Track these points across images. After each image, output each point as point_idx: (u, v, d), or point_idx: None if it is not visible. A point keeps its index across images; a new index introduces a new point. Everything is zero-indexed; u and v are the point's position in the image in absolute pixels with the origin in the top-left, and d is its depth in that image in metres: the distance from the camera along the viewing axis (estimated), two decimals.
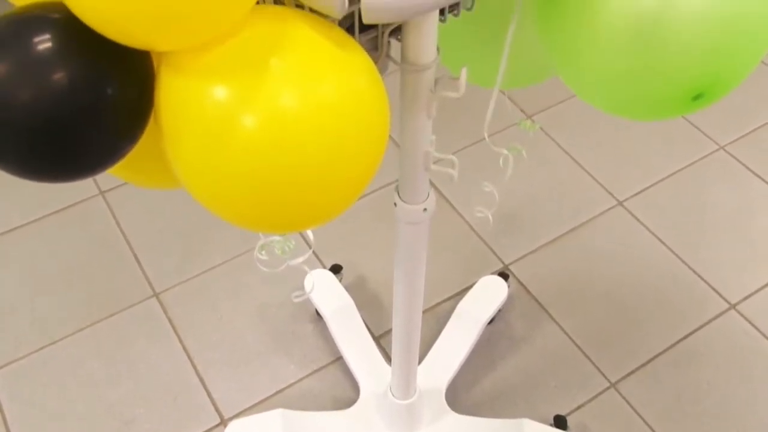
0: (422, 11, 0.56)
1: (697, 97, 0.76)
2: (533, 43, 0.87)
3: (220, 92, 0.55)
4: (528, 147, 1.73)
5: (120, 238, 1.60)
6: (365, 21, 0.56)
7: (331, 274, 1.49)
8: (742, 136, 1.80)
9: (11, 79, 0.53)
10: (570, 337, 1.46)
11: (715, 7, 0.71)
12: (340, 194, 0.60)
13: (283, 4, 0.64)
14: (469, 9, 0.78)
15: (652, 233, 1.62)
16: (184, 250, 1.59)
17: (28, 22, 0.55)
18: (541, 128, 1.81)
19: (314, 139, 0.56)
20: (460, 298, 1.46)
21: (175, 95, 0.57)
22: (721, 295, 1.52)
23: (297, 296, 1.45)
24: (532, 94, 1.87)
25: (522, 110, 1.85)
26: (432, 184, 0.94)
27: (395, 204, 0.95)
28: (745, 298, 1.51)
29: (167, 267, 1.56)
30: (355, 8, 0.58)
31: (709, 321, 1.48)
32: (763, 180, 1.71)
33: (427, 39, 0.75)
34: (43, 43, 0.54)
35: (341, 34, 0.59)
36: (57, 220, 1.63)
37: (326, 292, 1.46)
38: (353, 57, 0.58)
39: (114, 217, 1.64)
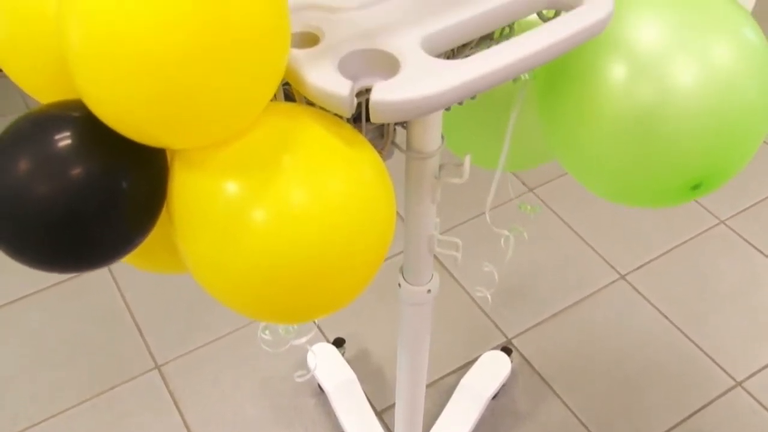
0: (428, 112, 0.58)
1: (695, 187, 0.77)
2: (535, 128, 0.90)
3: (232, 189, 0.56)
4: (529, 220, 1.74)
5: (123, 309, 1.61)
6: (373, 120, 0.58)
7: (333, 347, 1.48)
8: (743, 211, 1.82)
9: (30, 175, 0.55)
10: (574, 413, 1.44)
11: (710, 101, 0.74)
12: (348, 286, 0.61)
13: (293, 99, 0.67)
14: (472, 98, 0.81)
15: (655, 307, 1.62)
16: (187, 321, 1.59)
17: (48, 120, 0.57)
18: (543, 201, 1.83)
19: (323, 234, 0.57)
20: (464, 373, 1.46)
21: (187, 190, 0.58)
22: (726, 372, 1.51)
23: (300, 375, 1.44)
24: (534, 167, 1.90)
25: (523, 183, 1.88)
26: (434, 256, 0.94)
27: (399, 285, 0.95)
28: (752, 375, 1.50)
29: (170, 338, 1.55)
30: (362, 99, 0.60)
31: (715, 399, 1.47)
32: (764, 255, 1.72)
33: (432, 129, 0.78)
34: (62, 140, 0.56)
35: (350, 130, 0.61)
36: (60, 291, 1.64)
37: (329, 367, 1.45)
38: (361, 154, 0.60)
39: (118, 287, 1.65)
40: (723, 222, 1.80)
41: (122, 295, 1.63)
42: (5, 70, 0.65)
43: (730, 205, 1.83)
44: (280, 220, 0.56)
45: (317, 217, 0.56)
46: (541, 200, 1.84)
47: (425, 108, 0.57)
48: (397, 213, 0.66)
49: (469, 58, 0.59)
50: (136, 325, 1.58)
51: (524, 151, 0.96)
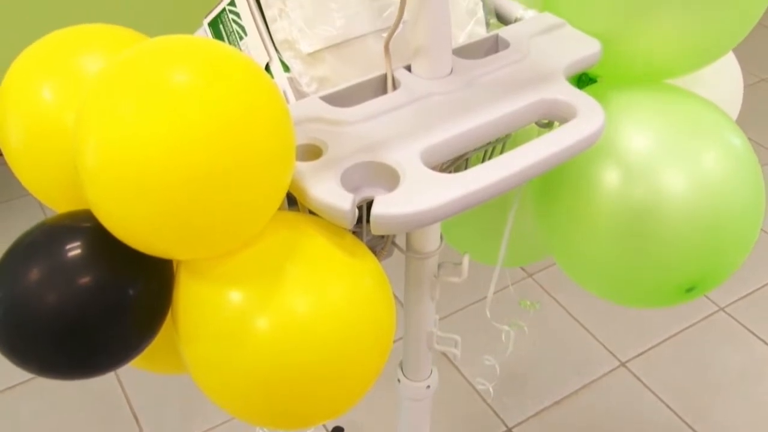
0: (427, 224, 0.60)
1: (690, 290, 0.79)
2: (532, 226, 0.92)
3: (236, 298, 0.58)
4: (529, 309, 1.75)
5: (120, 395, 1.59)
6: (374, 232, 0.60)
7: None
8: (742, 298, 1.83)
9: (40, 284, 0.57)
10: None
11: (700, 206, 0.76)
12: (347, 393, 0.62)
13: (296, 199, 0.69)
14: None
15: (657, 396, 1.61)
16: (183, 408, 1.57)
17: (59, 231, 0.59)
18: (542, 287, 1.84)
19: (325, 343, 0.58)
20: None
21: (192, 298, 0.60)
22: None
23: None
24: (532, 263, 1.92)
25: (522, 268, 1.89)
26: None
27: (399, 380, 0.96)
28: None
29: (166, 426, 1.54)
30: (364, 203, 0.62)
31: None
32: (765, 343, 1.72)
33: (431, 231, 0.80)
34: (72, 250, 0.58)
35: (351, 240, 0.63)
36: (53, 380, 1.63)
37: None
38: (362, 264, 0.62)
39: (116, 373, 1.64)
40: (722, 309, 1.80)
41: (119, 380, 1.62)
42: (19, 178, 0.67)
43: (729, 292, 1.84)
44: (282, 330, 0.57)
45: (319, 326, 0.57)
46: (540, 286, 1.85)
47: (424, 221, 0.59)
48: (396, 298, 0.67)
49: (466, 172, 0.62)
50: (132, 411, 1.57)
51: (522, 247, 0.98)
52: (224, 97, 0.52)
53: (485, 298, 0.90)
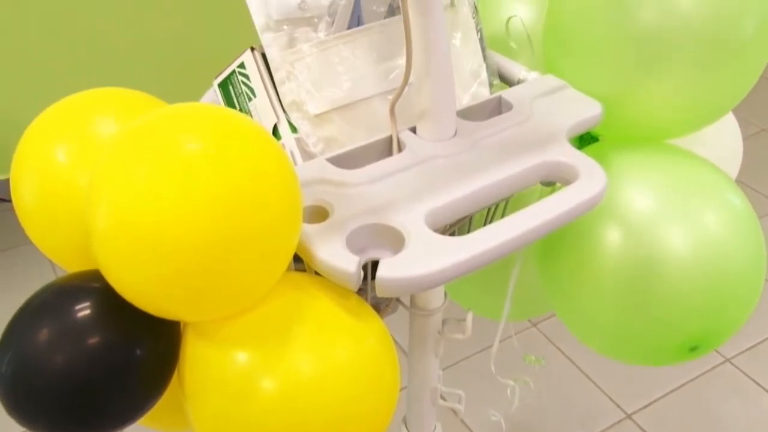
0: (431, 287, 0.61)
1: (693, 348, 0.79)
2: (536, 282, 0.92)
3: (242, 358, 0.59)
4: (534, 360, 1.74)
5: None
6: (379, 295, 0.60)
7: None
8: (748, 349, 1.82)
9: (49, 345, 0.58)
10: None
11: (702, 266, 0.77)
12: None
13: (303, 264, 0.70)
14: None
15: None
16: None
17: (69, 292, 0.60)
18: (546, 336, 1.83)
19: (331, 403, 0.59)
20: None
21: (199, 358, 0.60)
22: None
23: None
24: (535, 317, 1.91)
25: (528, 320, 1.89)
26: None
27: None
28: None
29: None
30: (368, 262, 0.63)
31: None
32: None
33: (435, 289, 0.80)
34: (81, 311, 0.59)
35: (356, 301, 0.64)
36: None
37: None
38: (366, 325, 0.62)
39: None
40: (729, 360, 1.79)
41: None
42: (30, 236, 0.69)
43: (736, 343, 1.83)
44: (288, 391, 0.58)
45: (324, 387, 0.58)
46: (545, 336, 1.84)
47: (428, 284, 0.60)
48: (400, 347, 0.67)
49: (470, 235, 0.63)
50: None
51: (525, 302, 0.98)
52: (234, 165, 0.53)
53: (489, 347, 0.91)
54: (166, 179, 0.52)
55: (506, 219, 0.65)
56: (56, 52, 1.96)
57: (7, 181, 2.22)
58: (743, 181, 2.12)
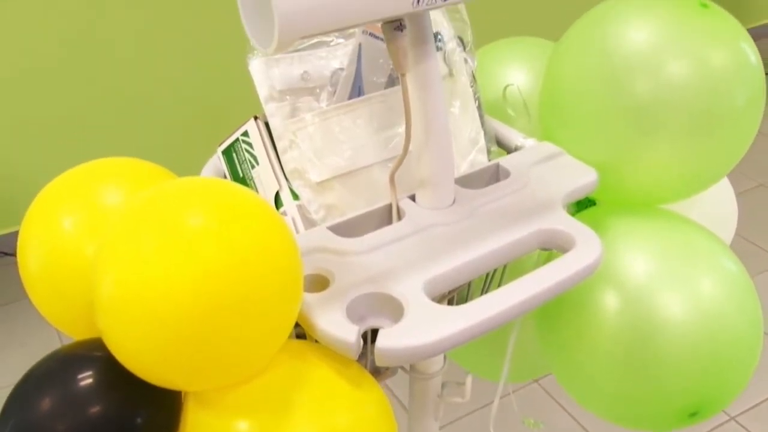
0: (430, 356, 0.62)
1: (693, 414, 0.79)
2: (535, 344, 0.93)
3: (243, 427, 0.59)
4: (535, 415, 1.73)
5: None
6: (378, 364, 0.61)
7: None
8: (752, 407, 1.80)
9: (52, 413, 0.58)
10: None
11: (699, 331, 0.77)
12: None
13: (303, 332, 0.71)
14: None
15: None
16: None
17: (72, 361, 0.61)
18: (547, 392, 1.82)
19: None
20: None
21: (200, 427, 0.60)
22: None
23: None
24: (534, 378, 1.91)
25: None
26: None
27: None
28: None
29: None
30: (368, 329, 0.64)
31: None
32: None
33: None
34: (84, 380, 0.60)
35: (356, 369, 0.64)
36: None
37: None
38: (366, 394, 0.63)
39: None
40: (733, 419, 1.78)
41: None
42: (35, 303, 0.70)
43: (741, 401, 1.81)
44: None
45: None
46: (546, 391, 1.83)
47: (428, 354, 0.61)
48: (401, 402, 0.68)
49: (469, 305, 0.64)
50: None
51: (524, 364, 0.98)
52: (237, 239, 0.54)
53: (489, 404, 0.90)
54: (170, 253, 0.54)
55: (504, 288, 0.66)
56: (59, 109, 2.00)
57: (8, 235, 2.24)
58: (743, 236, 2.14)
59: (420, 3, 0.61)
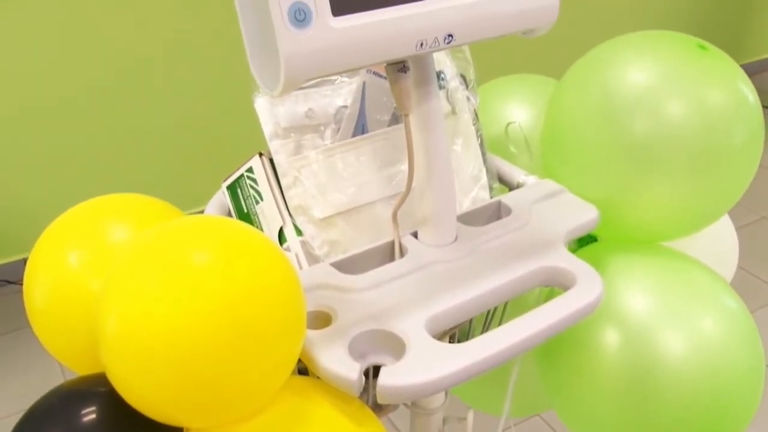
0: (432, 394, 0.62)
1: None
2: (537, 380, 0.93)
3: None
4: None
5: None
6: (380, 401, 0.61)
7: None
8: None
9: None
10: None
11: (700, 368, 0.77)
12: None
13: (304, 367, 0.71)
14: None
15: None
16: None
17: (75, 396, 0.61)
18: (548, 424, 1.81)
19: None
20: None
21: None
22: None
23: None
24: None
25: None
26: None
27: None
28: None
29: None
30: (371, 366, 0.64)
31: None
32: None
33: None
34: (87, 415, 0.60)
35: (358, 407, 0.65)
36: None
37: None
38: (368, 430, 0.63)
39: None
40: None
41: None
42: (39, 338, 0.70)
43: None
44: None
45: None
46: (548, 424, 1.82)
47: (429, 391, 0.61)
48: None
49: (470, 342, 0.64)
50: None
51: (526, 399, 0.98)
52: (241, 278, 0.55)
53: None
54: (175, 291, 0.54)
55: (505, 326, 0.66)
56: (65, 141, 2.02)
57: (11, 264, 2.24)
58: (746, 269, 2.14)
59: (423, 46, 0.62)
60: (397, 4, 0.61)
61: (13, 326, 2.08)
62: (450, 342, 0.83)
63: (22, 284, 0.69)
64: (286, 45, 0.55)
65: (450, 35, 0.63)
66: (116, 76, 2.00)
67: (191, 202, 1.75)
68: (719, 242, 0.97)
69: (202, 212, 0.74)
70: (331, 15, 0.57)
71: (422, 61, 0.67)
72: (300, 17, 0.56)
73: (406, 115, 0.69)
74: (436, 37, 0.63)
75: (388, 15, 0.60)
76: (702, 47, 0.82)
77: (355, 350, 0.64)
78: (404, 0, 0.61)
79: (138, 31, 1.97)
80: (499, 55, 2.06)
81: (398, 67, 0.66)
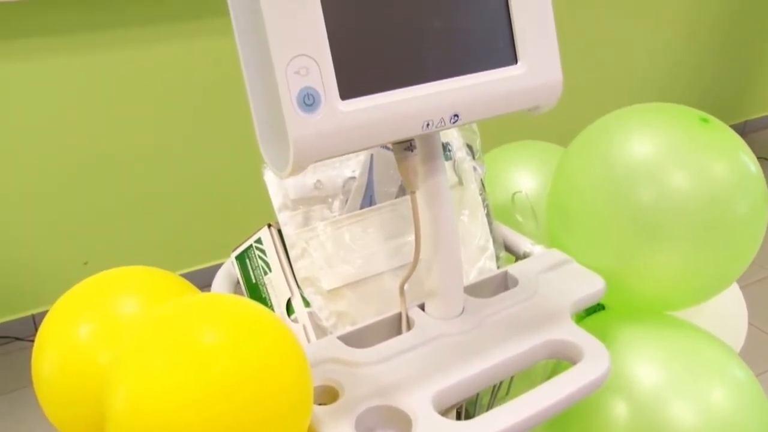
0: None
1: None
2: None
3: None
4: None
5: None
6: None
7: None
8: None
9: None
10: None
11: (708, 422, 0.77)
12: None
13: None
14: None
15: None
16: None
17: None
18: None
19: None
20: None
21: None
22: None
23: None
24: None
25: None
26: None
27: None
28: None
29: None
30: None
31: None
32: None
33: None
34: None
35: None
36: None
37: None
38: None
39: None
40: None
41: None
42: (45, 410, 0.70)
43: None
44: None
45: None
46: None
47: None
48: None
49: (477, 420, 0.64)
50: None
51: None
52: (249, 357, 0.55)
53: None
54: (184, 370, 0.55)
55: (512, 402, 0.66)
56: (76, 204, 2.05)
57: (19, 320, 2.23)
58: (757, 326, 2.12)
59: (430, 126, 0.64)
60: (404, 86, 0.62)
61: (21, 383, 2.07)
62: (457, 412, 0.83)
63: (30, 341, 0.69)
64: (295, 129, 0.57)
65: (456, 115, 0.65)
66: (131, 145, 2.04)
67: (202, 270, 1.77)
68: (726, 308, 0.97)
69: (210, 267, 0.74)
70: (339, 99, 0.59)
71: (429, 139, 0.69)
72: (309, 102, 0.57)
73: (413, 192, 0.70)
74: (442, 117, 0.64)
75: (395, 97, 0.61)
76: (704, 120, 0.83)
77: (362, 425, 0.64)
78: (411, 82, 0.62)
79: (156, 107, 2.03)
80: (505, 122, 2.08)
81: (405, 145, 0.67)
